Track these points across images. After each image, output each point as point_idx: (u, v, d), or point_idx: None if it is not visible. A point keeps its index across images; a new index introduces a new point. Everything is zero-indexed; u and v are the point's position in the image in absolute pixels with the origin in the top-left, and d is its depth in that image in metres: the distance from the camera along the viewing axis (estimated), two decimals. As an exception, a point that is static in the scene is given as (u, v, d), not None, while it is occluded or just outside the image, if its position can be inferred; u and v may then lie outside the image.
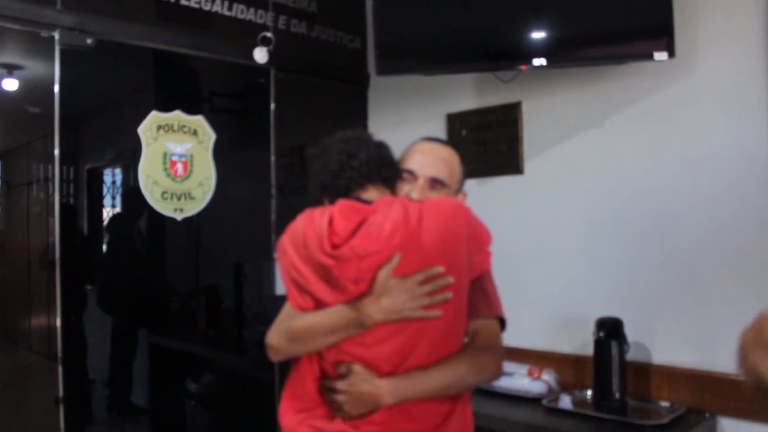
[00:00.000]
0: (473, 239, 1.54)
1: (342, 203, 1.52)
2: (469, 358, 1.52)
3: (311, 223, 1.52)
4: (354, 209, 1.50)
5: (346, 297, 1.48)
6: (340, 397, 1.46)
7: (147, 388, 2.73)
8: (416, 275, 1.44)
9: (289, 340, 1.55)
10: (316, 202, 1.60)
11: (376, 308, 1.43)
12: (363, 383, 1.45)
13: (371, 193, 1.56)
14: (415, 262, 1.45)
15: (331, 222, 1.48)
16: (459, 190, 1.74)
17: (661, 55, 2.26)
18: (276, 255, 1.64)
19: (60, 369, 2.23)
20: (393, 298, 1.43)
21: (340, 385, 1.47)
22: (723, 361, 2.23)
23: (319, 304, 1.51)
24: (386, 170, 1.59)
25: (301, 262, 1.52)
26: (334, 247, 1.46)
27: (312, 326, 1.50)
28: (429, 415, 1.48)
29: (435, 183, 1.65)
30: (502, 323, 1.66)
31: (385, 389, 1.44)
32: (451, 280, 1.46)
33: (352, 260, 1.45)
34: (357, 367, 1.47)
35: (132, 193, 2.58)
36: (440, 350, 1.49)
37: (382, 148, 1.61)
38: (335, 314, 1.47)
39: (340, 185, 1.54)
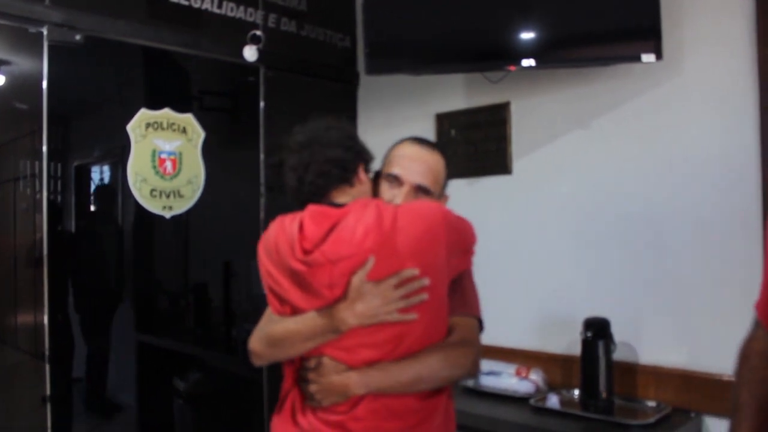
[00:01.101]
0: (453, 242, 1.53)
1: (312, 208, 1.52)
2: (442, 351, 1.50)
3: (282, 231, 1.52)
4: (324, 214, 1.49)
5: (322, 302, 1.47)
6: (311, 387, 1.48)
7: (134, 386, 2.72)
8: (390, 279, 1.43)
9: (269, 346, 1.56)
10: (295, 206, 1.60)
11: (350, 314, 1.43)
12: (332, 373, 1.46)
13: (339, 197, 1.55)
14: (389, 265, 1.44)
15: (301, 228, 1.49)
16: (442, 195, 1.75)
17: (648, 57, 2.28)
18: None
19: (47, 367, 2.22)
20: (367, 303, 1.43)
21: (311, 375, 1.48)
22: (709, 360, 2.25)
23: (296, 311, 1.52)
24: (346, 172, 1.56)
25: (275, 270, 1.53)
26: (306, 252, 1.46)
27: (290, 332, 1.51)
28: (411, 411, 1.48)
29: (419, 190, 1.65)
30: (480, 324, 1.66)
31: (354, 379, 1.45)
32: (426, 282, 1.45)
33: (324, 265, 1.45)
34: (326, 360, 1.48)
35: (102, 191, 2.58)
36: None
37: (339, 147, 1.55)
38: (310, 320, 1.48)
39: (303, 199, 1.55)
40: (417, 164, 1.67)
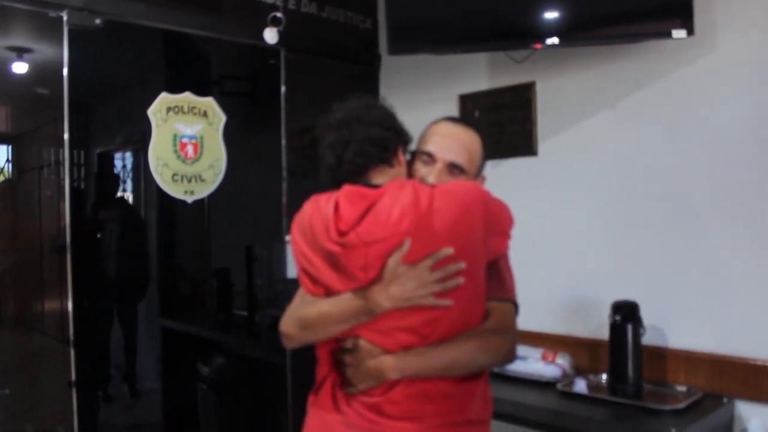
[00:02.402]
0: (491, 224, 1.50)
1: (348, 189, 1.49)
2: (479, 337, 1.48)
3: (317, 211, 1.50)
4: (360, 195, 1.47)
5: (356, 284, 1.46)
6: (348, 371, 1.46)
7: (159, 371, 2.73)
8: (426, 260, 1.41)
9: (302, 329, 1.54)
10: (327, 187, 1.57)
11: (385, 296, 1.41)
12: (368, 357, 1.44)
13: (377, 178, 1.52)
14: (425, 247, 1.41)
15: (336, 208, 1.47)
16: (478, 174, 1.70)
17: (679, 33, 2.21)
18: (287, 239, 1.63)
19: (72, 352, 2.23)
20: (402, 285, 1.41)
21: (348, 358, 1.47)
22: (742, 344, 2.20)
23: (329, 292, 1.50)
24: (386, 152, 1.52)
25: (310, 250, 1.51)
26: (341, 234, 1.44)
27: (322, 314, 1.49)
28: (447, 395, 1.46)
29: (453, 168, 1.61)
30: (516, 308, 1.62)
31: (390, 364, 1.43)
32: (462, 265, 1.42)
33: (359, 247, 1.43)
34: (362, 342, 1.46)
35: (104, 178, 2.58)
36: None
37: (380, 126, 1.52)
38: (344, 302, 1.46)
39: (341, 179, 1.52)
40: (451, 141, 1.63)
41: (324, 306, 1.50)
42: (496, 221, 1.53)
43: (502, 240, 1.57)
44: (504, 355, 1.55)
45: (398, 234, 1.41)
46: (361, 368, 1.45)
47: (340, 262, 1.45)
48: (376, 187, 1.49)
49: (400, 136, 1.56)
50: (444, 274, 1.41)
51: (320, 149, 1.54)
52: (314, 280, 1.53)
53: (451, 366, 1.46)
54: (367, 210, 1.44)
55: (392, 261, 1.41)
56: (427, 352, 1.44)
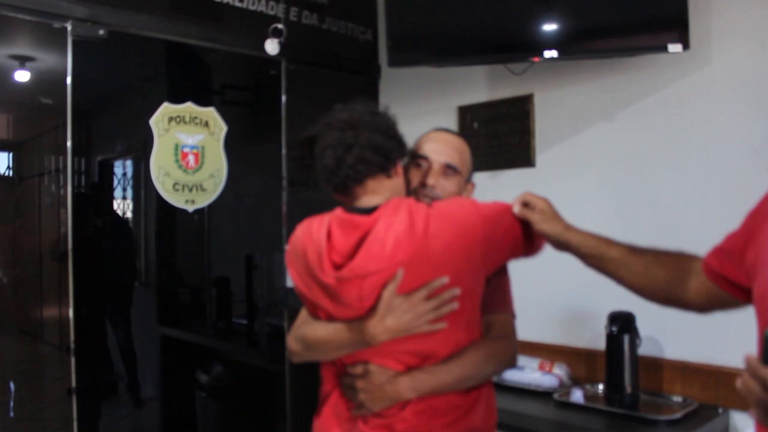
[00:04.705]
0: (490, 234, 1.49)
1: (340, 215, 1.47)
2: (485, 348, 1.52)
3: (310, 238, 1.48)
4: (353, 224, 1.44)
5: (353, 312, 1.45)
6: (361, 396, 1.46)
7: (158, 378, 2.74)
8: (421, 291, 1.41)
9: (305, 348, 1.56)
10: (324, 193, 1.57)
11: (381, 329, 1.41)
12: (384, 381, 1.45)
13: (370, 196, 1.49)
14: (421, 275, 1.41)
15: (329, 236, 1.45)
16: (469, 179, 1.76)
17: (675, 47, 2.24)
18: (287, 248, 1.63)
19: (72, 360, 2.24)
20: (398, 318, 1.40)
21: (359, 383, 1.46)
22: (737, 356, 2.19)
23: (329, 315, 1.51)
24: (387, 162, 1.49)
25: (306, 277, 1.50)
26: (335, 267, 1.42)
27: (322, 340, 1.51)
28: (453, 407, 1.48)
29: (448, 169, 1.66)
30: (514, 316, 1.68)
31: (405, 385, 1.44)
32: (457, 291, 1.42)
33: (353, 281, 1.41)
34: (373, 367, 1.46)
35: (125, 186, 2.60)
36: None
37: (384, 134, 1.49)
38: (342, 332, 1.47)
39: (338, 182, 1.49)
40: (443, 145, 1.69)
41: (322, 332, 1.50)
42: (496, 229, 1.52)
43: (504, 245, 1.55)
44: (508, 361, 1.61)
45: (393, 265, 1.39)
46: (377, 392, 1.45)
47: (336, 293, 1.44)
48: (369, 211, 1.45)
49: (401, 147, 1.54)
50: (439, 303, 1.41)
51: (318, 147, 1.50)
52: (314, 305, 1.53)
53: (463, 379, 1.49)
54: (361, 240, 1.41)
55: (387, 293, 1.40)
56: (439, 368, 1.46)
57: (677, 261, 1.45)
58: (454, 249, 1.42)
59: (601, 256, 1.51)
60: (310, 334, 1.53)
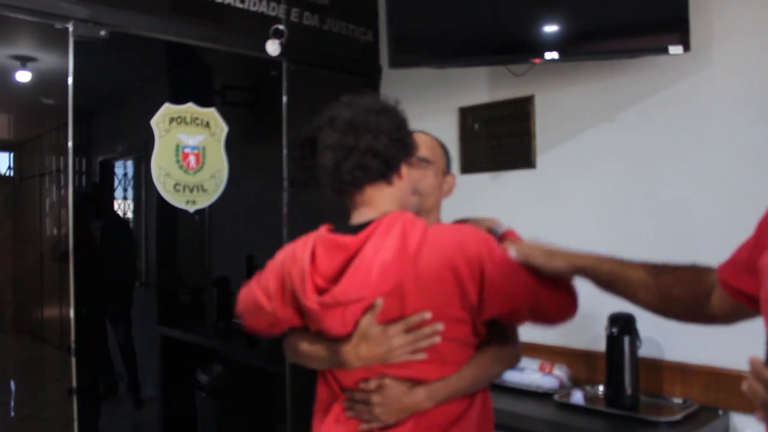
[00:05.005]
0: (488, 288, 1.39)
1: (325, 235, 1.41)
2: (493, 351, 1.52)
3: (293, 261, 1.42)
4: (338, 245, 1.38)
5: (334, 333, 1.43)
6: (377, 410, 1.42)
7: (158, 379, 2.74)
8: (398, 324, 1.36)
9: (293, 354, 1.58)
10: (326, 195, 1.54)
11: (354, 356, 1.39)
12: (400, 393, 1.42)
13: (366, 208, 1.45)
14: (404, 306, 1.36)
15: (313, 258, 1.39)
16: (447, 171, 1.79)
17: (676, 49, 2.24)
18: None
19: (73, 360, 2.24)
20: (371, 349, 1.38)
21: (376, 398, 1.42)
22: (737, 357, 2.19)
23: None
24: (388, 169, 1.44)
25: (288, 298, 1.45)
26: (318, 291, 1.37)
27: (307, 353, 1.51)
28: (448, 414, 1.46)
29: (421, 162, 1.68)
30: None
31: (423, 395, 1.42)
32: (439, 327, 1.36)
33: (335, 308, 1.37)
34: (389, 381, 1.43)
35: (126, 186, 2.60)
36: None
37: (388, 136, 1.42)
38: (320, 351, 1.47)
39: (335, 186, 1.46)
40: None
41: (305, 346, 1.50)
42: (504, 275, 1.41)
43: (508, 304, 1.44)
44: (513, 361, 1.62)
45: (377, 294, 1.35)
46: (394, 405, 1.42)
47: (319, 319, 1.41)
48: (359, 229, 1.39)
49: (406, 149, 1.48)
50: (416, 338, 1.37)
51: (320, 143, 1.45)
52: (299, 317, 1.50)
53: (476, 383, 1.49)
54: (346, 263, 1.36)
55: (364, 322, 1.37)
56: (452, 375, 1.45)
57: (697, 278, 1.38)
58: (442, 281, 1.36)
59: (615, 282, 1.48)
60: (296, 345, 1.54)
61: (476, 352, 1.48)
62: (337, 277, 1.36)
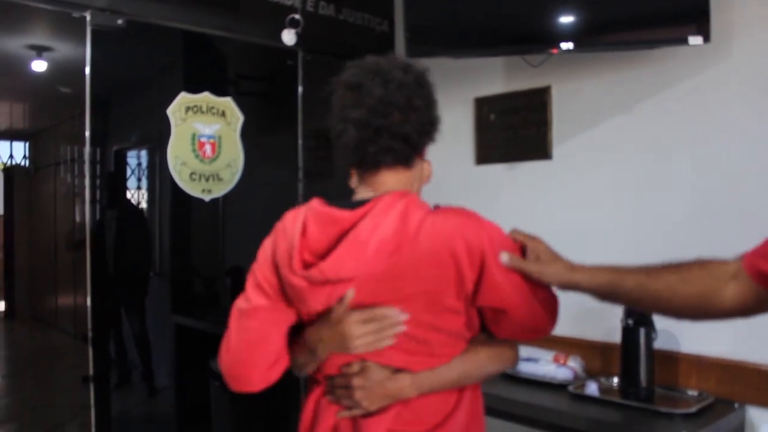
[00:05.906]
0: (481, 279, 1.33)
1: (318, 208, 1.32)
2: (488, 346, 1.44)
3: (283, 233, 1.34)
4: (332, 219, 1.29)
5: (314, 312, 1.35)
6: (357, 394, 1.35)
7: (172, 367, 2.75)
8: (362, 313, 1.29)
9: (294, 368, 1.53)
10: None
11: (316, 338, 1.35)
12: (384, 378, 1.36)
13: (384, 180, 1.37)
14: (401, 286, 1.29)
15: (304, 231, 1.30)
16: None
17: (695, 40, 2.22)
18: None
19: (90, 348, 2.26)
20: (329, 334, 1.32)
21: (357, 381, 1.36)
22: (753, 350, 2.20)
23: None
24: (413, 152, 1.36)
25: (271, 273, 1.37)
26: (305, 265, 1.28)
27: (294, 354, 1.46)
28: (435, 410, 1.39)
29: None
30: None
31: (407, 381, 1.36)
32: (403, 317, 1.29)
33: (324, 286, 1.29)
34: (371, 364, 1.36)
35: (141, 175, 2.61)
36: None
37: (419, 120, 1.33)
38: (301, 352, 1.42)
39: (353, 163, 1.39)
40: None
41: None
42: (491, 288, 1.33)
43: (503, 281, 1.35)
44: (511, 360, 1.52)
45: (371, 272, 1.26)
46: (376, 389, 1.35)
47: (302, 297, 1.32)
48: (357, 205, 1.30)
49: (435, 129, 1.39)
50: (379, 327, 1.30)
51: (338, 107, 1.35)
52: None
53: (464, 378, 1.40)
54: (339, 238, 1.27)
55: (337, 308, 1.31)
56: (440, 366, 1.38)
57: (703, 273, 1.33)
58: (437, 266, 1.29)
59: (615, 291, 1.39)
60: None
61: (470, 347, 1.40)
62: (327, 254, 1.27)
